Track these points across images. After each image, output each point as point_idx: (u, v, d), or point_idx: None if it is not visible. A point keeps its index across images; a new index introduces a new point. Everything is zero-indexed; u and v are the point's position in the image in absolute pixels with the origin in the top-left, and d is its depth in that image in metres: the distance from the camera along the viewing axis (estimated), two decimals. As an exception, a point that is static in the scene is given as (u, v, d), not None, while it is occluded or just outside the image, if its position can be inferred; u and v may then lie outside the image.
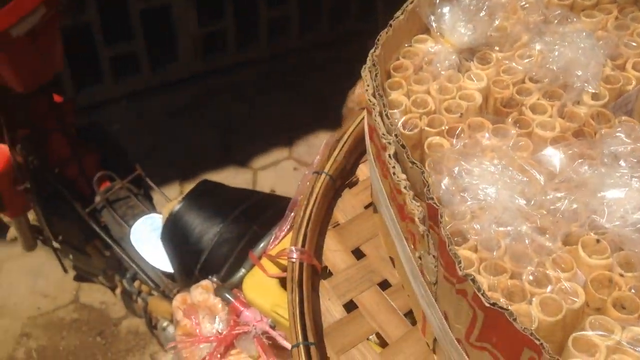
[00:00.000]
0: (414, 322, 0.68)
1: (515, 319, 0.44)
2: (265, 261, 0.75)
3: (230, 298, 0.73)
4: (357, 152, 0.80)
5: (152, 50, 2.47)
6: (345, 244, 0.74)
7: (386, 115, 0.58)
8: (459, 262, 0.47)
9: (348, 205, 0.77)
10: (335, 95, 2.66)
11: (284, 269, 0.75)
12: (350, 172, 0.79)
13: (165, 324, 1.62)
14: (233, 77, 2.64)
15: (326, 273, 0.73)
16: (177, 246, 1.30)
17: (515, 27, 0.67)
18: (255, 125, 2.54)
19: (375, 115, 0.59)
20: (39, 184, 1.61)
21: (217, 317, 0.99)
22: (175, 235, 1.30)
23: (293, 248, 0.68)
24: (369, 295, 0.71)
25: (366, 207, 0.78)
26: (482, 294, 0.45)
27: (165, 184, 2.29)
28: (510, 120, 0.61)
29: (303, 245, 0.69)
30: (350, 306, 0.70)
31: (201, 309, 1.02)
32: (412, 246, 0.57)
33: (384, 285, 0.72)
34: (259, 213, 1.27)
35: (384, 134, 0.58)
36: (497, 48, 0.66)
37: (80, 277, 2.21)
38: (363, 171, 0.80)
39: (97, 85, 2.48)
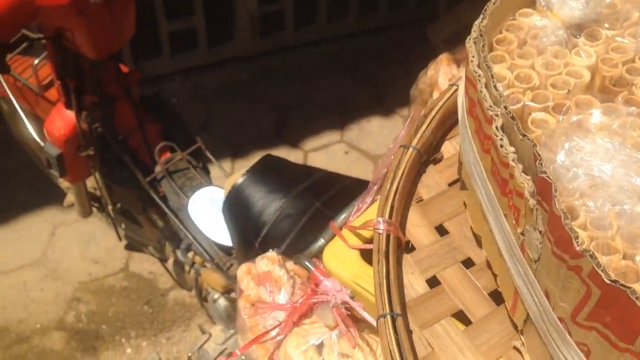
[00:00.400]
0: (497, 303, 0.67)
1: (638, 298, 0.42)
2: (346, 232, 0.75)
3: (310, 266, 0.72)
4: (443, 129, 0.78)
5: (210, 27, 2.48)
6: (428, 220, 0.73)
7: (494, 86, 0.57)
8: (576, 238, 0.46)
9: (432, 182, 0.76)
10: (391, 81, 2.65)
11: (365, 240, 0.75)
12: (435, 149, 0.78)
13: (216, 296, 1.63)
14: (289, 58, 2.64)
15: (408, 248, 0.72)
16: (238, 218, 1.30)
17: (625, 5, 0.65)
18: (308, 107, 2.53)
19: (481, 87, 0.58)
20: (102, 151, 1.63)
21: (282, 288, 0.99)
22: (237, 207, 1.30)
23: (380, 219, 0.67)
24: (452, 272, 0.69)
25: (450, 184, 0.76)
26: (602, 271, 0.44)
27: (217, 161, 2.30)
28: (620, 99, 0.59)
29: (390, 217, 0.68)
30: (432, 282, 0.69)
31: (266, 280, 1.03)
32: (514, 222, 0.56)
33: (467, 264, 0.71)
34: (322, 190, 1.27)
35: (491, 106, 0.56)
36: (606, 25, 0.64)
37: (130, 247, 2.25)
38: (448, 148, 0.79)
39: (154, 59, 2.50)
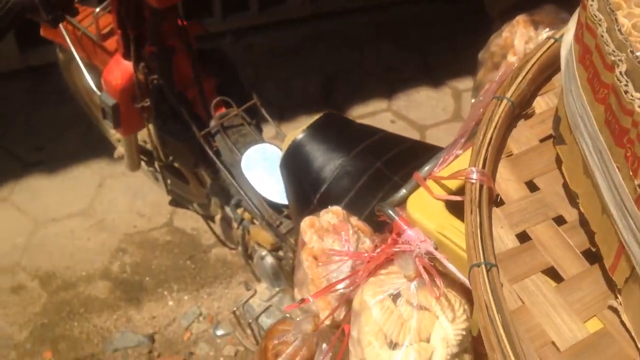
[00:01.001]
0: (590, 262, 0.65)
1: None
2: (431, 183, 0.73)
3: (394, 215, 0.70)
4: (536, 83, 0.75)
5: (263, -12, 2.46)
6: (518, 175, 0.70)
7: (618, 30, 0.53)
8: None
9: (523, 137, 0.73)
10: (439, 53, 2.60)
11: (450, 192, 0.72)
12: (528, 102, 0.75)
13: (263, 253, 1.63)
14: (339, 24, 2.60)
15: (497, 202, 0.69)
16: (297, 174, 1.29)
17: None
18: (356, 74, 2.50)
19: (602, 32, 0.55)
20: (158, 103, 1.63)
21: (346, 244, 0.98)
22: (296, 162, 1.29)
23: (473, 169, 0.65)
24: (543, 228, 0.67)
25: (541, 140, 0.73)
26: None
27: (262, 123, 2.29)
28: None
29: (483, 168, 0.66)
30: (521, 238, 0.67)
31: (330, 234, 1.01)
32: (630, 174, 0.53)
33: (557, 222, 0.68)
34: (384, 151, 1.24)
35: (613, 51, 0.53)
36: None
37: (175, 203, 2.26)
38: (540, 104, 0.76)
39: (206, 18, 2.48)
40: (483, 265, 0.59)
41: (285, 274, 1.61)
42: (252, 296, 1.65)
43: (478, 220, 0.62)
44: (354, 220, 0.99)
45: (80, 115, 2.13)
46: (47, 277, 2.07)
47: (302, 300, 0.84)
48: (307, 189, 1.26)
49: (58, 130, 2.40)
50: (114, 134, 2.04)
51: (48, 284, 2.06)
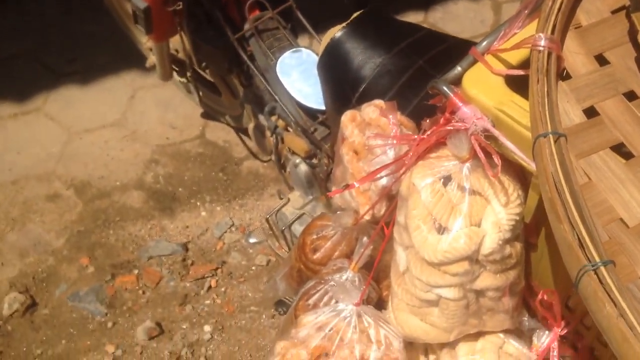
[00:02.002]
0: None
1: None
2: (490, 58, 0.67)
3: (449, 91, 0.65)
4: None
5: None
6: (587, 48, 0.64)
7: None
8: None
9: (593, 7, 0.66)
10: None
11: (511, 67, 0.67)
12: (601, -30, 0.67)
13: (297, 161, 1.59)
14: None
15: (563, 76, 0.63)
16: (335, 73, 1.23)
17: None
18: (392, -16, 2.38)
19: None
20: (191, 6, 1.56)
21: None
22: (334, 61, 1.23)
23: (542, 35, 0.59)
24: (612, 103, 0.61)
25: (613, 12, 0.67)
26: None
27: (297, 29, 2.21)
28: None
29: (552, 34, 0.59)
30: (589, 114, 0.61)
31: (372, 127, 0.97)
32: None
33: (629, 97, 0.62)
34: (426, 49, 1.17)
35: None
36: None
37: (207, 115, 2.22)
38: (613, -28, 0.68)
39: None
40: (550, 135, 0.54)
41: (318, 182, 1.58)
42: (284, 204, 1.63)
43: (545, 89, 0.57)
44: (397, 114, 0.94)
45: (113, 28, 2.07)
46: (82, 186, 2.07)
47: (347, 186, 0.80)
48: (345, 88, 1.21)
49: (91, 43, 2.35)
50: (146, 42, 1.99)
51: (83, 193, 2.06)
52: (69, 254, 1.96)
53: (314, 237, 0.97)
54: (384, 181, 0.90)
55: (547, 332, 0.79)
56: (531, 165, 0.61)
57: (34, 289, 1.89)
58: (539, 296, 0.76)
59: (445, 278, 0.70)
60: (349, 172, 0.96)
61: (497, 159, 0.62)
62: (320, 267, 0.96)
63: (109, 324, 1.83)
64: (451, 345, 0.83)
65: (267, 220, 1.64)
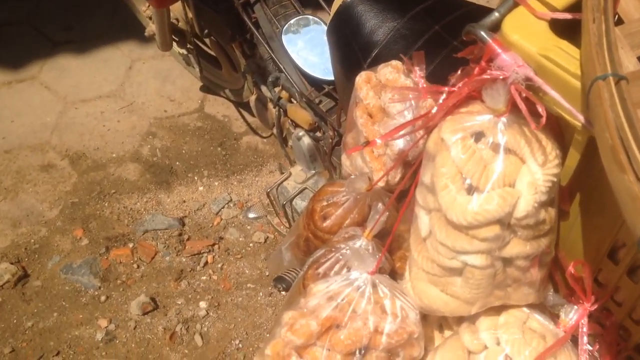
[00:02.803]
0: None
1: None
2: (533, 1, 0.60)
3: (487, 37, 0.58)
4: None
5: None
6: (642, -9, 0.57)
7: None
8: None
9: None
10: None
11: (555, 10, 0.59)
12: None
13: (300, 133, 1.52)
14: None
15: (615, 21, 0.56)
16: (346, 38, 1.15)
17: None
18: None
19: None
20: (194, -31, 1.48)
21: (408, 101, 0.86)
22: (345, 25, 1.15)
23: (597, -30, 0.52)
24: (671, 50, 0.54)
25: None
26: None
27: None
28: None
29: (607, -30, 0.52)
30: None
31: (387, 89, 0.89)
32: None
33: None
34: (443, 13, 1.10)
35: None
36: None
37: (206, 89, 2.14)
38: None
39: None
40: (610, 77, 0.47)
41: (322, 156, 1.51)
42: (286, 178, 1.56)
43: (603, 28, 0.50)
44: (424, 66, 0.86)
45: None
46: (77, 157, 1.99)
47: (368, 143, 0.73)
48: (356, 53, 1.13)
49: (88, 11, 2.26)
50: (145, 10, 1.90)
51: (78, 164, 1.98)
52: (62, 225, 1.88)
53: (324, 203, 0.90)
54: (400, 144, 0.84)
55: (575, 307, 0.73)
56: (578, 117, 0.54)
57: (26, 260, 1.81)
58: (570, 268, 0.70)
59: (473, 243, 0.63)
60: (363, 135, 0.89)
61: (541, 109, 0.55)
62: (330, 236, 0.89)
63: (102, 298, 1.76)
64: (471, 319, 0.77)
65: (267, 194, 1.57)
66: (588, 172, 0.66)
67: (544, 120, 0.55)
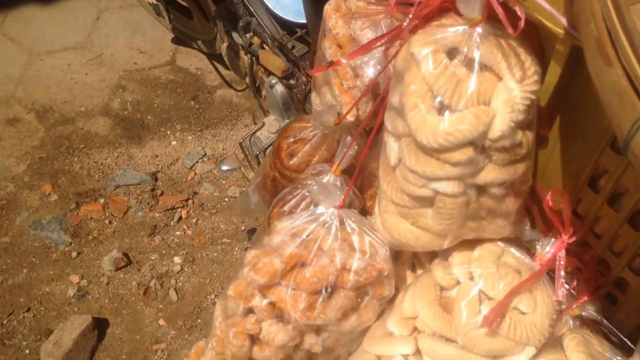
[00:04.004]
0: None
1: None
2: None
3: None
4: None
5: None
6: None
7: None
8: None
9: None
10: None
11: None
12: None
13: (273, 81, 1.45)
14: None
15: None
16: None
17: None
18: None
19: None
20: None
21: (381, 26, 0.79)
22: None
23: None
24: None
25: None
26: None
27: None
28: None
29: None
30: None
31: (358, 17, 0.83)
32: None
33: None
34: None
35: None
36: None
37: (178, 41, 2.05)
38: None
39: None
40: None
41: (295, 104, 1.45)
42: (259, 128, 1.49)
43: None
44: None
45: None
46: (43, 110, 1.90)
47: (332, 63, 0.67)
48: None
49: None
50: (111, -44, 1.79)
51: (45, 118, 1.89)
52: (30, 180, 1.80)
53: (291, 140, 0.84)
54: (369, 72, 0.78)
55: (552, 240, 0.68)
56: (560, 20, 0.48)
57: (-8, 216, 1.74)
58: (547, 197, 0.65)
59: (445, 169, 0.58)
60: (331, 70, 0.83)
61: (520, 11, 0.49)
62: (297, 175, 0.84)
63: (74, 254, 1.70)
64: (444, 255, 0.72)
65: (240, 144, 1.50)
66: (569, 90, 0.60)
67: (522, 23, 0.49)
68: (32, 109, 1.89)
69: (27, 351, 1.54)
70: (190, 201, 1.80)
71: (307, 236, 0.70)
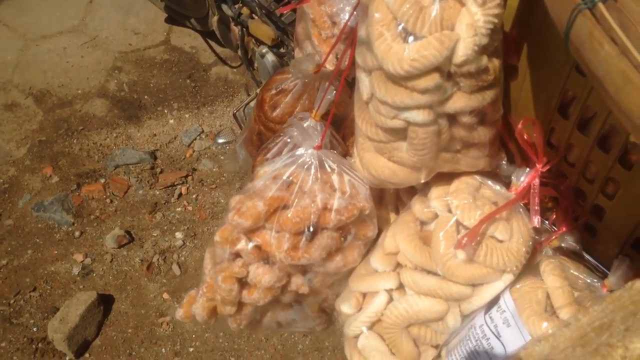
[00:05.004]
0: None
1: None
2: None
3: None
4: None
5: None
6: None
7: None
8: None
9: None
10: None
11: None
12: None
13: (264, 50, 1.47)
14: None
15: None
16: None
17: None
18: None
19: None
20: None
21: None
22: None
23: None
24: None
25: None
26: None
27: None
28: None
29: None
30: None
31: (333, -33, 0.85)
32: None
33: None
34: None
35: None
36: None
37: (171, 20, 2.07)
38: None
39: None
40: None
41: (286, 72, 1.47)
42: (252, 99, 1.51)
43: None
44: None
45: None
46: (41, 94, 1.94)
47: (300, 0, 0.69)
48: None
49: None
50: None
51: (43, 102, 1.93)
52: (31, 164, 1.84)
53: (273, 92, 0.86)
54: (345, 17, 0.79)
55: (527, 170, 0.70)
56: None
57: (-5, 199, 1.79)
58: (519, 125, 0.66)
59: (414, 97, 0.60)
60: (310, 18, 0.85)
61: None
62: (281, 126, 0.86)
63: (77, 233, 1.74)
64: (423, 192, 0.74)
65: (234, 115, 1.53)
66: (532, 15, 0.62)
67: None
68: (29, 94, 1.93)
69: (34, 329, 1.59)
70: (189, 178, 1.83)
71: (288, 177, 0.72)
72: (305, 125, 0.76)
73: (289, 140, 0.77)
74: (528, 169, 0.70)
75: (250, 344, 1.57)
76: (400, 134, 0.65)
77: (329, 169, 0.73)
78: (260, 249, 0.74)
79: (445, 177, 0.72)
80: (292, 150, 0.77)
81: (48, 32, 2.01)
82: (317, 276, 0.76)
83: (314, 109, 0.77)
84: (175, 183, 1.82)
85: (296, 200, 0.72)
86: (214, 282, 0.77)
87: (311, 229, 0.72)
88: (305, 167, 0.72)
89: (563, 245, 0.75)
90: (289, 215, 0.71)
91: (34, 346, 1.55)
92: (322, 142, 0.72)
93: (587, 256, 0.77)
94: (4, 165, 1.83)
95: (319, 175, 0.72)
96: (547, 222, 0.78)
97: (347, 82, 0.85)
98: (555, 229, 0.77)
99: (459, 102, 0.61)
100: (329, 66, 0.84)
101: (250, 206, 0.72)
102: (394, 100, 0.61)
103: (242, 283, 0.76)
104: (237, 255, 0.76)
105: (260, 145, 0.91)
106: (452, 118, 0.64)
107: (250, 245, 0.74)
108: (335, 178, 0.72)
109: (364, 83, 0.65)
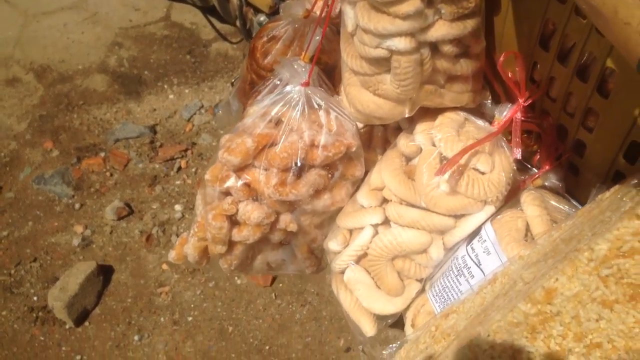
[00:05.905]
0: None
1: None
2: None
3: None
4: None
5: None
6: None
7: None
8: None
9: None
10: None
11: None
12: None
13: (262, 18, 1.50)
14: None
15: None
16: None
17: None
18: None
19: None
20: None
21: None
22: None
23: None
24: None
25: None
26: None
27: None
28: None
29: None
30: None
31: None
32: None
33: None
34: None
35: None
36: None
37: (171, -4, 2.11)
38: None
39: None
40: None
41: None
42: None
43: None
44: None
45: None
46: (42, 70, 1.97)
47: None
48: None
49: None
50: None
51: (43, 77, 1.96)
52: (31, 138, 1.87)
53: (264, 39, 0.89)
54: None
55: (509, 105, 0.72)
56: None
57: (-4, 171, 1.82)
58: (501, 57, 0.69)
59: (396, 23, 0.62)
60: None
61: None
62: (273, 74, 0.88)
63: (77, 206, 1.77)
64: (409, 130, 0.76)
65: (232, 84, 1.56)
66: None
67: None
68: (30, 69, 1.96)
69: (35, 298, 1.62)
70: (189, 151, 1.86)
71: (276, 113, 0.75)
72: (294, 65, 0.78)
73: (278, 82, 0.80)
74: (510, 104, 0.72)
75: (248, 313, 1.59)
76: (384, 65, 0.67)
77: (316, 106, 0.75)
78: (249, 187, 0.76)
79: (430, 113, 0.74)
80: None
81: (49, 9, 2.05)
82: (305, 214, 0.79)
83: (304, 51, 0.80)
84: (175, 157, 1.85)
85: (284, 137, 0.74)
86: (205, 221, 0.80)
87: (298, 164, 0.74)
88: (293, 103, 0.75)
89: (546, 183, 0.77)
90: (277, 150, 0.74)
91: (34, 315, 1.59)
92: (310, 78, 0.75)
93: (569, 197, 0.79)
94: (5, 139, 1.87)
95: (306, 112, 0.75)
96: (531, 166, 0.80)
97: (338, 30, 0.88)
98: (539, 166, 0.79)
99: (441, 30, 0.64)
100: (318, 11, 0.86)
101: (239, 143, 0.75)
102: (377, 27, 0.63)
103: (233, 221, 0.79)
104: (227, 193, 0.78)
105: (253, 94, 0.94)
106: (435, 48, 0.66)
107: (240, 182, 0.76)
108: (322, 114, 0.75)
109: (349, 15, 0.68)
